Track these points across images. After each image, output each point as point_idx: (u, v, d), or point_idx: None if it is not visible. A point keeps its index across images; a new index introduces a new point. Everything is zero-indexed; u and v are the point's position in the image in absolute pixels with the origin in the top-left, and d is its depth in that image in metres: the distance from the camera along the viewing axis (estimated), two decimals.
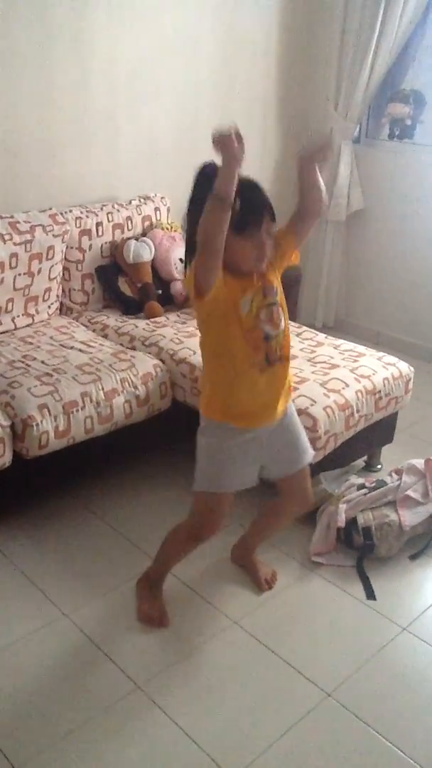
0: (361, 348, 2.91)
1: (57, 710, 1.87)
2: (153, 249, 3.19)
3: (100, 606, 2.21)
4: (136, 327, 3.00)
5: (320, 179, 1.87)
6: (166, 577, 2.20)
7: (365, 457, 2.95)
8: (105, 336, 2.99)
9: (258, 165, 4.03)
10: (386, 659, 2.06)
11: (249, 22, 3.68)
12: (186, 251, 1.87)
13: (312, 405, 2.46)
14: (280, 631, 2.15)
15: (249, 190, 1.75)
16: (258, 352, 1.85)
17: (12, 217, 2.89)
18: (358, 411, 2.58)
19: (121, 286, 3.17)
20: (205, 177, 1.74)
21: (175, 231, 3.32)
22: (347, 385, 2.59)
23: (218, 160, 1.65)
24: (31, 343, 2.81)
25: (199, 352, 2.68)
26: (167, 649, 2.06)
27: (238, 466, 1.97)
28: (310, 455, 2.12)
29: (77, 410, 2.42)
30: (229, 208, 1.63)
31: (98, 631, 2.12)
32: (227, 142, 1.59)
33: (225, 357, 1.87)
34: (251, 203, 1.73)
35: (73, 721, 1.83)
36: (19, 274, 2.88)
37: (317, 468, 2.54)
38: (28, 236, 2.86)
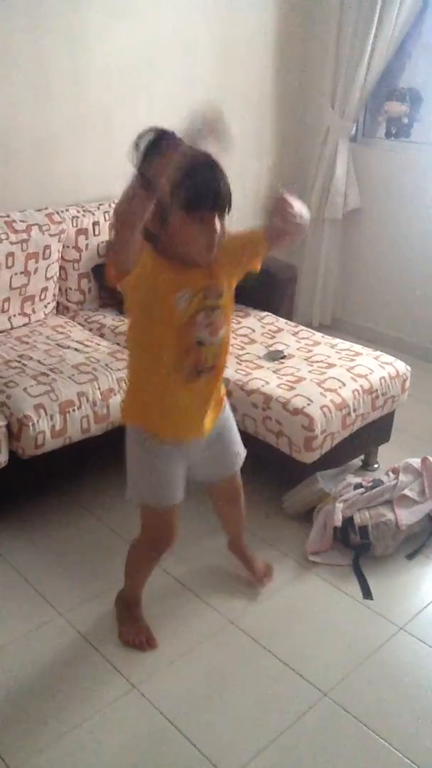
0: (357, 347, 2.91)
1: (53, 711, 1.86)
2: None
3: (96, 606, 2.21)
4: None
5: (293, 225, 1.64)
6: (141, 595, 2.12)
7: (362, 457, 2.95)
8: (101, 335, 2.99)
9: (255, 162, 4.03)
10: (383, 658, 2.06)
11: (245, 21, 3.67)
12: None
13: (309, 404, 2.45)
14: (277, 630, 2.14)
15: (209, 170, 1.56)
16: (187, 357, 1.70)
17: (8, 216, 2.88)
18: (354, 410, 2.58)
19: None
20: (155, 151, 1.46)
21: None
22: (344, 384, 2.59)
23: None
24: (27, 343, 2.80)
25: None
26: (163, 649, 2.06)
27: (173, 476, 1.86)
28: (241, 459, 2.04)
29: (73, 410, 2.42)
30: (153, 198, 1.45)
31: (94, 630, 2.12)
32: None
33: (147, 355, 1.73)
34: (208, 185, 1.55)
35: (69, 722, 1.83)
36: (16, 274, 2.87)
37: (314, 468, 2.54)
38: (25, 235, 2.86)
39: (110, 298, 3.19)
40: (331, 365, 2.72)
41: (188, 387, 1.75)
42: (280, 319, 3.21)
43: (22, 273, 2.89)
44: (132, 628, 2.09)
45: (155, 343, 1.70)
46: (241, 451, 2.05)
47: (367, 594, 2.29)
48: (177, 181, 1.47)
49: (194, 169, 1.50)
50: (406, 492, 2.51)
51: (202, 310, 1.68)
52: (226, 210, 1.62)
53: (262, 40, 3.80)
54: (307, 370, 2.69)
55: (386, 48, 3.66)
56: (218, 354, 1.77)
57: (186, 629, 2.13)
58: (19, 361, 2.62)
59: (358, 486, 2.56)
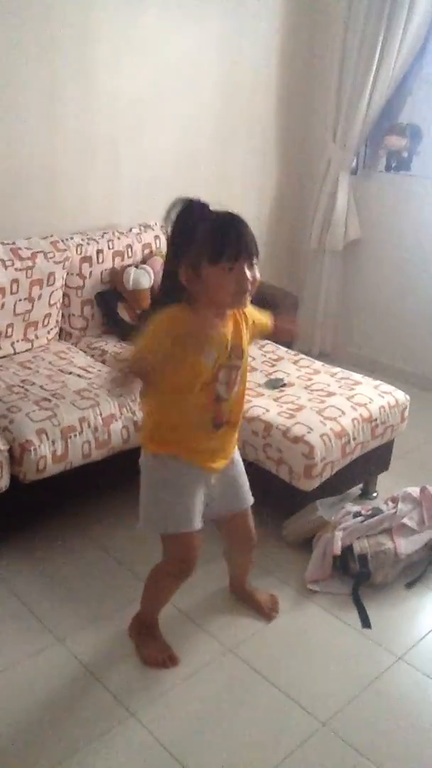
0: (357, 376, 2.94)
1: (49, 738, 1.85)
2: (152, 276, 3.22)
3: (95, 632, 2.20)
4: None
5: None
6: (159, 617, 2.16)
7: (361, 485, 2.96)
8: (103, 362, 3.01)
9: (257, 194, 4.09)
10: (381, 688, 2.05)
11: (250, 54, 3.75)
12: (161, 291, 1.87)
13: (308, 432, 2.47)
14: (275, 658, 2.14)
15: (232, 224, 1.70)
16: (206, 411, 1.83)
17: (14, 243, 2.92)
18: (354, 439, 2.59)
19: (120, 312, 3.20)
20: (191, 219, 1.69)
21: None
22: (344, 413, 2.61)
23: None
24: (30, 368, 2.83)
25: None
26: (161, 677, 2.05)
27: (189, 505, 1.92)
28: (251, 500, 2.12)
29: (75, 435, 2.44)
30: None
31: (92, 657, 2.11)
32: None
33: (175, 402, 1.82)
34: (232, 237, 1.67)
35: (65, 749, 1.82)
36: (20, 300, 2.91)
37: (313, 496, 2.55)
38: (29, 262, 2.90)
39: (113, 325, 3.22)
40: (331, 394, 2.74)
41: (209, 436, 1.88)
42: (281, 347, 3.24)
43: (26, 299, 2.92)
44: (155, 648, 2.12)
45: (180, 399, 1.81)
46: (250, 497, 2.12)
47: (366, 623, 2.29)
48: (206, 239, 1.66)
49: (219, 225, 1.68)
50: (405, 521, 2.51)
51: (224, 368, 1.80)
52: (254, 258, 1.72)
53: (265, 74, 3.89)
54: (307, 398, 2.71)
55: (387, 83, 3.74)
56: (233, 410, 1.89)
57: (185, 657, 2.12)
58: (21, 386, 2.64)
59: (357, 514, 2.56)
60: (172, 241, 1.74)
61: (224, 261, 1.66)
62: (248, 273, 1.70)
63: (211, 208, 1.70)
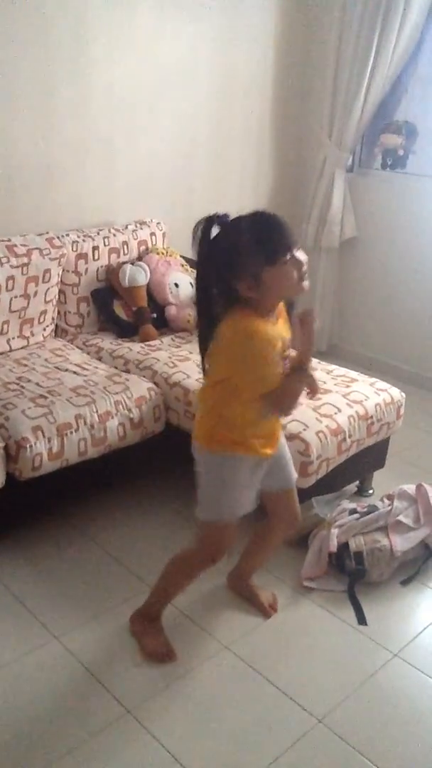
0: (353, 373, 2.94)
1: (46, 735, 1.85)
2: (148, 273, 3.22)
3: (91, 629, 2.20)
4: (131, 350, 3.02)
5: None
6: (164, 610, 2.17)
7: (357, 482, 2.97)
8: (99, 359, 3.01)
9: (253, 191, 4.09)
10: (377, 685, 2.06)
11: (246, 52, 3.75)
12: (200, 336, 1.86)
13: (304, 430, 2.47)
14: (272, 656, 2.14)
15: (267, 220, 1.73)
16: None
17: (9, 240, 2.92)
18: (350, 436, 2.59)
19: (116, 309, 3.20)
20: (229, 235, 1.72)
21: (170, 256, 3.35)
22: (339, 411, 2.61)
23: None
24: (25, 365, 2.82)
25: (192, 375, 2.73)
26: (158, 674, 2.05)
27: (247, 493, 1.98)
28: (296, 477, 2.17)
29: (71, 432, 2.43)
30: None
31: (89, 654, 2.11)
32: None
33: (241, 398, 1.86)
34: (273, 231, 1.72)
35: (62, 747, 1.82)
36: (15, 297, 2.90)
37: (310, 492, 2.55)
38: (25, 259, 2.89)
39: (108, 323, 3.22)
40: (327, 391, 2.74)
41: (263, 425, 1.92)
42: None
43: (21, 296, 2.92)
44: (155, 641, 2.13)
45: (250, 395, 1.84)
46: (295, 473, 2.17)
47: (361, 620, 2.29)
48: (255, 245, 1.69)
49: (260, 227, 1.71)
50: (401, 518, 2.52)
51: (282, 359, 1.84)
52: (298, 242, 1.75)
53: (261, 72, 3.88)
54: (303, 395, 2.70)
55: (383, 81, 3.74)
56: None
57: (181, 654, 2.12)
58: (17, 384, 2.63)
59: (353, 511, 2.57)
60: (210, 260, 1.74)
61: (282, 256, 1.70)
62: (302, 257, 1.74)
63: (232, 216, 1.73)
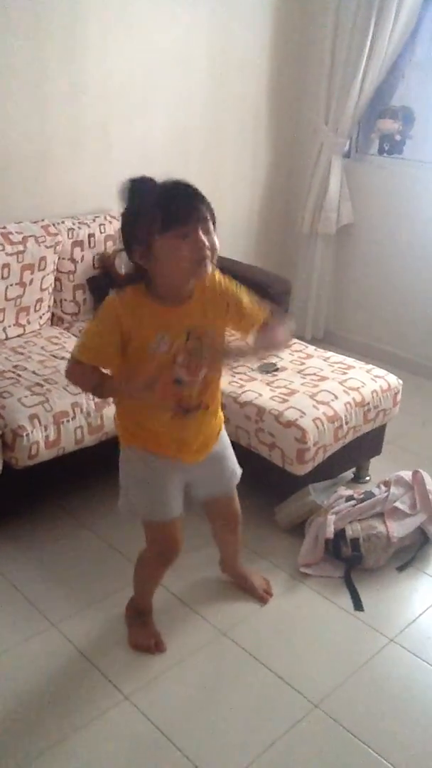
0: (350, 360, 2.94)
1: (44, 721, 1.86)
2: None
3: (88, 616, 2.21)
4: None
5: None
6: (151, 601, 2.16)
7: (354, 469, 2.97)
8: None
9: (249, 178, 4.07)
10: (374, 670, 2.07)
11: (241, 38, 3.72)
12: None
13: (301, 417, 2.47)
14: (268, 641, 2.15)
15: (180, 189, 1.59)
16: (168, 396, 1.71)
17: (4, 227, 2.90)
18: (346, 423, 2.60)
19: None
20: (137, 195, 1.59)
21: None
22: (336, 397, 2.62)
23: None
24: (22, 354, 2.82)
25: None
26: (154, 660, 2.06)
27: (170, 491, 1.89)
28: (237, 477, 2.07)
29: (67, 420, 2.43)
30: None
31: (86, 641, 2.12)
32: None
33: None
34: (181, 202, 1.57)
35: (59, 732, 1.83)
36: (11, 285, 2.89)
37: (306, 480, 2.56)
38: (21, 247, 2.88)
39: None
40: (323, 378, 2.75)
41: (180, 422, 1.78)
42: None
43: (17, 284, 2.91)
44: (142, 633, 2.12)
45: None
46: (237, 470, 2.08)
47: (358, 606, 2.30)
48: (153, 208, 1.54)
49: (166, 191, 1.57)
50: (397, 505, 2.52)
51: (182, 352, 1.69)
52: (210, 223, 1.60)
53: (257, 57, 3.85)
54: (299, 382, 2.71)
55: (379, 66, 3.71)
56: (201, 393, 1.78)
57: (178, 640, 2.13)
58: (13, 372, 2.63)
59: (349, 498, 2.57)
60: (122, 223, 1.64)
61: (175, 226, 1.54)
62: (204, 239, 1.57)
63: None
